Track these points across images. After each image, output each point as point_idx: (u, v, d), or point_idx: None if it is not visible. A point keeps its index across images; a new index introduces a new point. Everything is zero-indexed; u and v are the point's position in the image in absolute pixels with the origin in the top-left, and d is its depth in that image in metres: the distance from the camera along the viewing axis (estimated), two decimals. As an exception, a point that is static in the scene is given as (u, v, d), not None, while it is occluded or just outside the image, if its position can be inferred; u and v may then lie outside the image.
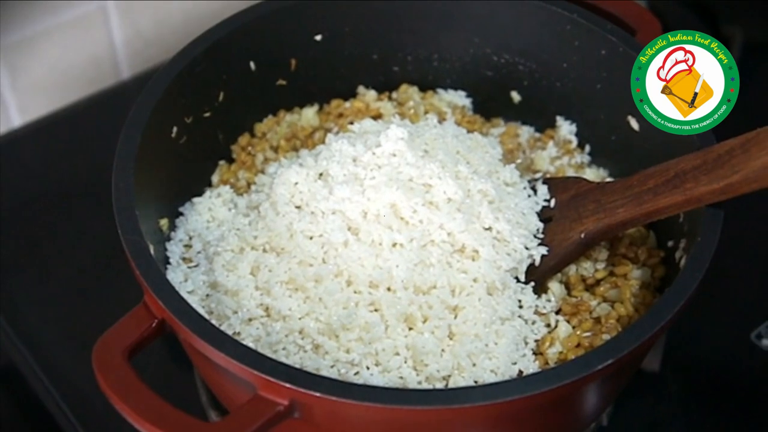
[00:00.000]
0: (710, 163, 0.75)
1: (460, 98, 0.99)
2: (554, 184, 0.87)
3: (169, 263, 0.85)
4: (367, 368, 0.76)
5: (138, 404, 0.67)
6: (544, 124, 0.97)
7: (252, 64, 0.92)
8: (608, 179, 0.93)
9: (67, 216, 1.05)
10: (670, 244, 0.84)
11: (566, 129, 0.95)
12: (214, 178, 0.93)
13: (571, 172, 0.93)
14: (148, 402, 0.68)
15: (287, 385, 0.66)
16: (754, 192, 0.74)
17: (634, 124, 0.88)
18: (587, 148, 0.95)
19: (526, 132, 0.97)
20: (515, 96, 0.97)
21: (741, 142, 0.74)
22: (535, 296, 0.82)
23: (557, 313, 0.82)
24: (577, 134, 0.95)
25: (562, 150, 0.95)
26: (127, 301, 0.74)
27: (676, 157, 0.78)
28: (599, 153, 0.94)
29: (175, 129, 0.86)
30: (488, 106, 0.99)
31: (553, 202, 0.85)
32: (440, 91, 0.99)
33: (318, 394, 0.66)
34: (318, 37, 0.94)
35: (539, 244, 0.83)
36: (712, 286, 0.77)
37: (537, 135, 0.97)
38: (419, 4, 0.94)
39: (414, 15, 0.95)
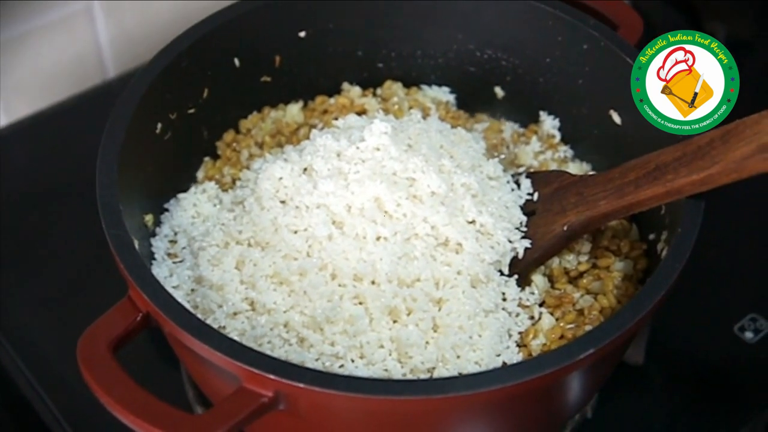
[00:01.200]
0: (690, 155, 0.75)
1: (444, 94, 0.99)
2: (537, 177, 0.87)
3: (154, 259, 0.85)
4: (352, 361, 0.76)
5: (122, 396, 0.67)
6: (527, 119, 0.97)
7: (236, 61, 0.92)
8: (591, 173, 0.93)
9: (54, 215, 1.05)
10: (652, 236, 0.84)
11: (549, 124, 0.96)
12: (199, 174, 0.93)
13: (554, 167, 0.94)
14: (132, 394, 0.68)
15: (271, 377, 0.67)
16: (736, 183, 0.74)
17: (616, 118, 0.89)
18: (570, 142, 0.95)
19: (509, 127, 0.97)
20: (499, 91, 0.98)
21: (721, 133, 0.74)
22: (519, 289, 0.82)
23: (541, 305, 0.83)
24: (560, 129, 0.96)
25: (545, 144, 0.95)
26: (114, 298, 0.74)
27: (658, 149, 0.78)
28: (582, 147, 0.95)
29: (159, 125, 0.87)
30: (472, 102, 0.99)
31: (536, 196, 0.86)
32: (424, 87, 1.00)
33: (302, 385, 0.66)
34: (302, 34, 0.95)
35: (522, 237, 0.83)
36: (696, 279, 0.77)
37: (520, 130, 0.98)
38: (403, 1, 0.95)
39: (398, 11, 0.95)
